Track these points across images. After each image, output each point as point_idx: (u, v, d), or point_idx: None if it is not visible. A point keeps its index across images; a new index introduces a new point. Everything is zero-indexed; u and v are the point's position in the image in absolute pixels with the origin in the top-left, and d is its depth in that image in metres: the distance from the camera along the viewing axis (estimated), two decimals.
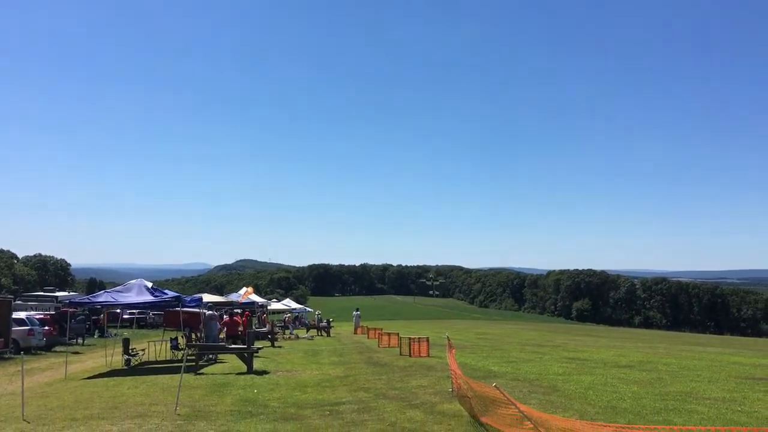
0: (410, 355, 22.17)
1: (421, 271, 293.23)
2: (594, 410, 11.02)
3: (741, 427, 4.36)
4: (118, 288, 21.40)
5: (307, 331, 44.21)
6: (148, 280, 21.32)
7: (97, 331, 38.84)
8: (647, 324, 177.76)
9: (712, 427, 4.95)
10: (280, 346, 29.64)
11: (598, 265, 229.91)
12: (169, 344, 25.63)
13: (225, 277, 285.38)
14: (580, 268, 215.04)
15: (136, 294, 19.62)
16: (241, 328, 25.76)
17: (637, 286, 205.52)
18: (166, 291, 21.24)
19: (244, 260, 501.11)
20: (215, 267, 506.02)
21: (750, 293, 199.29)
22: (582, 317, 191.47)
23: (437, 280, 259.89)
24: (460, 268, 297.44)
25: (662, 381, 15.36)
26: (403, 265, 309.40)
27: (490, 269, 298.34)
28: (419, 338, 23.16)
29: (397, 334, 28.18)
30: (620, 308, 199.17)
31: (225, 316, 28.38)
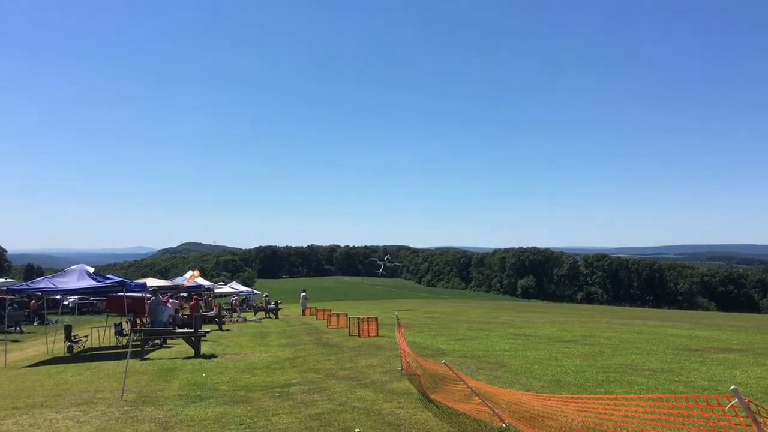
0: (359, 336, 22.27)
1: (369, 251, 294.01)
2: (539, 384, 11.32)
3: (678, 394, 4.58)
4: (58, 274, 20.78)
5: (255, 314, 43.92)
6: (89, 266, 20.75)
7: (36, 318, 37.75)
8: (589, 299, 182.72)
9: (653, 395, 5.16)
10: (227, 330, 29.38)
11: (542, 243, 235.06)
12: (113, 330, 25.09)
13: (169, 261, 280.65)
14: (525, 246, 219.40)
15: (78, 279, 19.07)
16: (188, 312, 25.40)
17: (580, 263, 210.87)
18: (108, 276, 20.73)
19: (189, 243, 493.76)
20: (159, 251, 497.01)
21: (686, 268, 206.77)
22: (527, 294, 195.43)
23: (391, 262, 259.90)
24: (408, 248, 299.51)
25: (603, 354, 15.85)
26: (351, 245, 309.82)
27: (438, 248, 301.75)
28: (368, 318, 23.28)
29: (346, 314, 28.26)
30: (564, 284, 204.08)
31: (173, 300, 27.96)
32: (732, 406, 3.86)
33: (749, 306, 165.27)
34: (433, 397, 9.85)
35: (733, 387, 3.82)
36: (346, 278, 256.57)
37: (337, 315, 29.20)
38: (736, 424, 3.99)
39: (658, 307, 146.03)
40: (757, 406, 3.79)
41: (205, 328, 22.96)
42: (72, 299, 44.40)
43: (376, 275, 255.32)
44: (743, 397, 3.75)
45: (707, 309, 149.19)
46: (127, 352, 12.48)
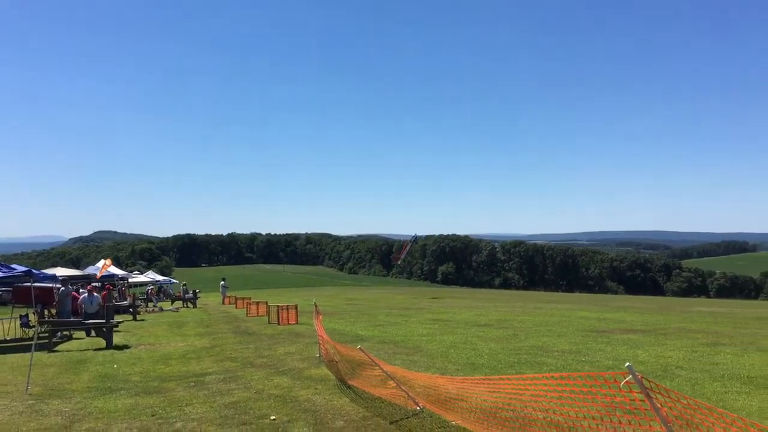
0: (279, 323, 22.13)
1: (291, 239, 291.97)
2: (454, 367, 11.59)
3: (582, 373, 4.83)
4: None
5: (172, 303, 42.91)
6: None
7: None
8: (506, 285, 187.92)
9: (560, 374, 5.43)
10: (142, 320, 28.58)
11: (462, 231, 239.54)
12: (18, 322, 23.94)
13: (81, 250, 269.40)
14: (445, 233, 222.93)
15: None
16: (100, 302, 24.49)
17: (498, 249, 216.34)
18: (14, 266, 19.73)
19: (103, 232, 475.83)
20: (70, 239, 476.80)
21: (597, 253, 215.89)
22: (447, 280, 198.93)
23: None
24: (329, 236, 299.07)
25: (517, 337, 16.36)
26: (272, 233, 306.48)
27: (359, 236, 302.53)
28: (288, 306, 23.16)
29: (266, 302, 28.00)
30: (482, 271, 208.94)
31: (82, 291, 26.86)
32: (626, 382, 4.06)
33: (654, 289, 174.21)
34: (350, 382, 9.92)
35: (627, 364, 4.02)
36: (267, 266, 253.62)
37: (257, 303, 28.90)
38: (631, 400, 4.21)
39: (571, 291, 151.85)
40: (649, 381, 4.00)
41: (119, 318, 22.24)
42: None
43: (298, 263, 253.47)
44: (637, 373, 3.95)
45: (616, 292, 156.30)
46: (32, 344, 11.98)
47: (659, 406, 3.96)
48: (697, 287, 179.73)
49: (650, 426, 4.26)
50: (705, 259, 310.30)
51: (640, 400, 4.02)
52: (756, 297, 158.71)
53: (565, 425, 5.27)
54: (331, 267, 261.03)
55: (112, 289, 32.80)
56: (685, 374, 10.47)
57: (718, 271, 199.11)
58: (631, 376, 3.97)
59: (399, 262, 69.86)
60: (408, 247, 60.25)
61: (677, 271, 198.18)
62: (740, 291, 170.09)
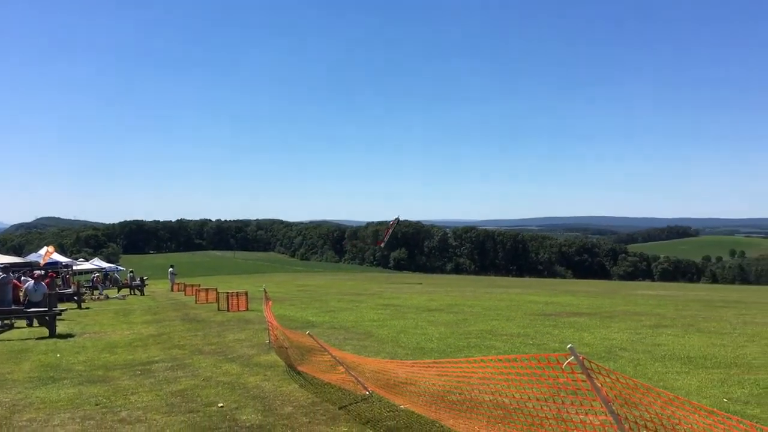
0: (228, 310, 21.92)
1: (241, 225, 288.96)
2: (404, 352, 11.66)
3: (528, 355, 4.90)
4: None
5: (119, 291, 42.03)
6: None
7: None
8: (458, 270, 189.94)
9: (507, 356, 5.53)
10: (88, 308, 27.91)
11: (414, 216, 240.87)
12: None
13: (23, 237, 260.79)
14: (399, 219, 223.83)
15: None
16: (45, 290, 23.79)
17: (449, 235, 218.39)
18: None
19: (46, 218, 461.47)
20: (11, 226, 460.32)
21: (546, 238, 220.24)
22: (399, 266, 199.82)
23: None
24: (281, 222, 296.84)
25: (466, 321, 16.56)
26: (223, 219, 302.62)
27: (311, 222, 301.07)
28: (237, 293, 22.94)
29: (216, 289, 27.68)
30: (434, 256, 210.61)
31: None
32: (569, 363, 4.13)
33: (601, 273, 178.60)
34: (300, 368, 9.88)
35: (569, 346, 4.08)
36: (218, 253, 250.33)
37: (206, 290, 28.52)
38: (574, 381, 4.28)
39: (521, 276, 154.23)
40: (591, 362, 4.07)
41: (62, 306, 21.67)
42: None
43: (249, 249, 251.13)
44: (579, 354, 4.02)
45: (564, 277, 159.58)
46: None
47: (600, 386, 4.04)
48: (642, 271, 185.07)
49: (592, 405, 4.34)
50: (650, 243, 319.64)
51: (583, 381, 4.09)
52: (698, 280, 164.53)
53: (511, 407, 5.34)
54: (283, 253, 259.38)
55: (56, 277, 32.00)
56: (628, 355, 10.76)
57: (662, 256, 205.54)
58: (573, 357, 4.04)
59: (383, 245, 69.31)
60: (391, 230, 60.00)
61: (623, 255, 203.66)
62: (683, 274, 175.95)
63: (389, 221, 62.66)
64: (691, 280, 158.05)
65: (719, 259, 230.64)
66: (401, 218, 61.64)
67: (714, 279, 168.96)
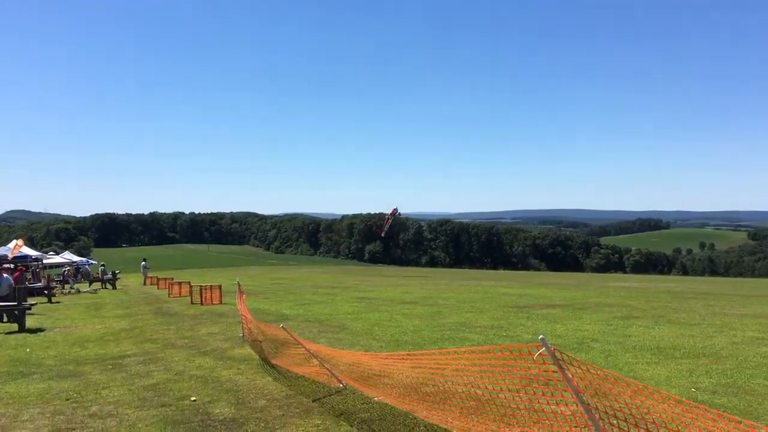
0: (202, 304, 21.76)
1: (215, 218, 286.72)
2: (379, 344, 11.68)
3: (500, 346, 4.97)
4: None
5: (90, 285, 41.48)
6: None
7: None
8: (433, 263, 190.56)
9: (480, 348, 5.61)
10: (58, 302, 27.53)
11: (388, 209, 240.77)
12: None
13: None
14: (372, 212, 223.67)
15: None
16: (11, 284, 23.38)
17: (424, 228, 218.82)
18: None
19: (15, 211, 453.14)
20: None
21: (520, 231, 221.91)
22: (374, 259, 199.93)
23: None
24: (255, 215, 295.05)
25: (441, 314, 16.63)
26: (196, 212, 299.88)
27: (286, 215, 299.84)
28: (211, 286, 22.79)
29: (189, 282, 27.45)
30: (409, 249, 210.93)
31: None
32: (540, 354, 4.16)
33: (574, 266, 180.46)
34: (273, 362, 9.85)
35: (541, 336, 4.11)
36: (192, 246, 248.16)
37: (180, 283, 28.27)
38: (545, 371, 4.32)
39: (495, 268, 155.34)
40: (562, 353, 4.11)
41: (32, 300, 21.33)
42: None
43: (223, 243, 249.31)
44: (550, 345, 4.05)
45: (538, 269, 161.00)
46: None
47: (571, 376, 4.08)
48: (614, 263, 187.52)
49: (563, 396, 4.40)
50: (622, 236, 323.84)
51: (554, 372, 4.13)
52: (668, 272, 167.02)
53: (484, 398, 5.37)
54: (258, 246, 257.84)
55: (26, 271, 31.46)
56: (599, 346, 10.89)
57: (633, 248, 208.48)
58: (544, 348, 4.07)
59: (383, 235, 69.46)
60: (390, 220, 60.12)
61: (596, 248, 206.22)
62: (654, 266, 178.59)
63: (374, 214, 63.32)
64: (662, 272, 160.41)
65: (689, 251, 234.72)
66: (398, 212, 61.59)
67: (684, 271, 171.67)
